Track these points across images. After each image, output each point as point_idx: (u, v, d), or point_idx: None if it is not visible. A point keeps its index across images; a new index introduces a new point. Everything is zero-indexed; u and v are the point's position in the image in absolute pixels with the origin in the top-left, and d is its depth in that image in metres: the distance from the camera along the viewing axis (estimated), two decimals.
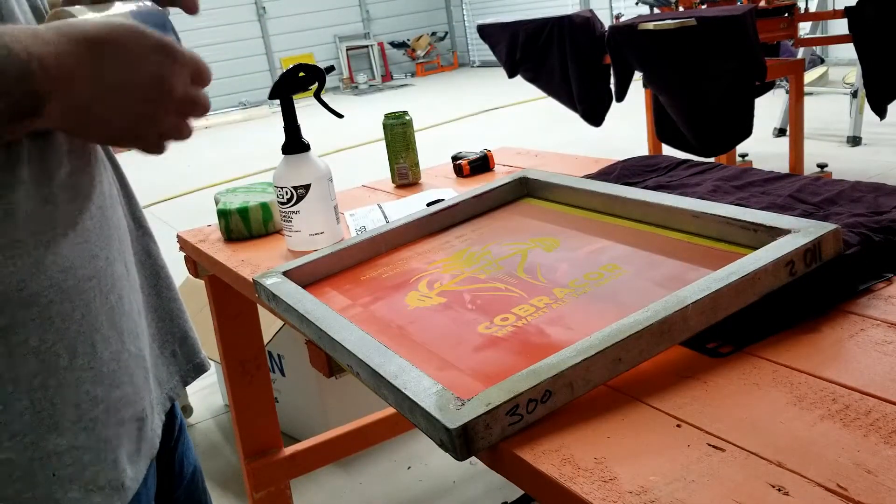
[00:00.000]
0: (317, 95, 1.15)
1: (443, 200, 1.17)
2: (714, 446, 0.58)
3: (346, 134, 6.31)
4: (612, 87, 3.34)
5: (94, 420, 0.52)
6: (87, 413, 0.51)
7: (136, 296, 0.63)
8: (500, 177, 1.29)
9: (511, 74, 3.70)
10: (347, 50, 10.96)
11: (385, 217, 1.32)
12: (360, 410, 1.84)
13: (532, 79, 3.69)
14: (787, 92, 4.10)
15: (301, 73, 1.13)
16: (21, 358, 0.47)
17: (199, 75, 0.55)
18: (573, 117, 3.74)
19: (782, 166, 3.37)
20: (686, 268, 0.83)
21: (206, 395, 2.51)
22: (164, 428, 0.70)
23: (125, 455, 0.55)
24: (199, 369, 0.77)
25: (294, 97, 1.15)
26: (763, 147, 4.36)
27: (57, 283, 0.50)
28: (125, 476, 0.55)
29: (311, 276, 1.03)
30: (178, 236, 1.44)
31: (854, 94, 4.30)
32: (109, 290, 0.56)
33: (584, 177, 1.24)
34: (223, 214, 1.33)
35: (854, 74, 4.54)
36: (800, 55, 4.64)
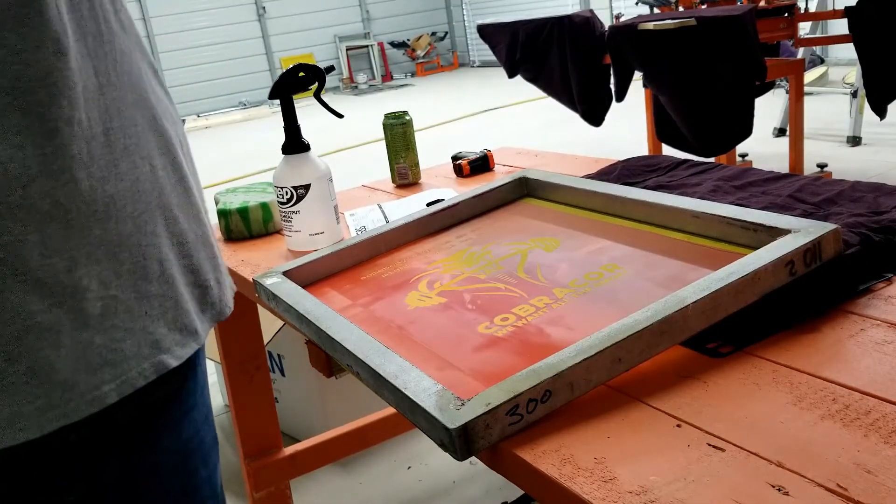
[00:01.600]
0: (317, 95, 1.15)
1: (443, 200, 1.17)
2: (714, 446, 0.58)
3: (346, 134, 6.31)
4: (612, 87, 3.34)
5: (173, 276, 0.63)
6: (167, 269, 0.62)
7: (197, 192, 0.71)
8: (500, 177, 1.30)
9: (511, 74, 3.70)
10: (347, 50, 10.95)
11: (385, 217, 1.32)
12: (360, 410, 1.84)
13: (532, 79, 3.69)
14: (787, 92, 4.09)
15: (301, 73, 1.13)
16: (123, 221, 0.59)
17: None
18: (573, 117, 3.74)
19: (782, 166, 3.37)
20: (686, 268, 0.83)
21: None
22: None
23: (194, 310, 0.65)
24: None
25: (294, 97, 1.15)
26: (763, 147, 4.36)
27: (139, 167, 0.61)
28: (197, 325, 0.65)
29: (311, 276, 1.03)
30: None
31: (854, 94, 4.30)
32: (178, 181, 0.66)
33: (584, 177, 1.24)
34: (223, 214, 1.33)
35: (854, 74, 4.54)
36: (800, 55, 4.63)
